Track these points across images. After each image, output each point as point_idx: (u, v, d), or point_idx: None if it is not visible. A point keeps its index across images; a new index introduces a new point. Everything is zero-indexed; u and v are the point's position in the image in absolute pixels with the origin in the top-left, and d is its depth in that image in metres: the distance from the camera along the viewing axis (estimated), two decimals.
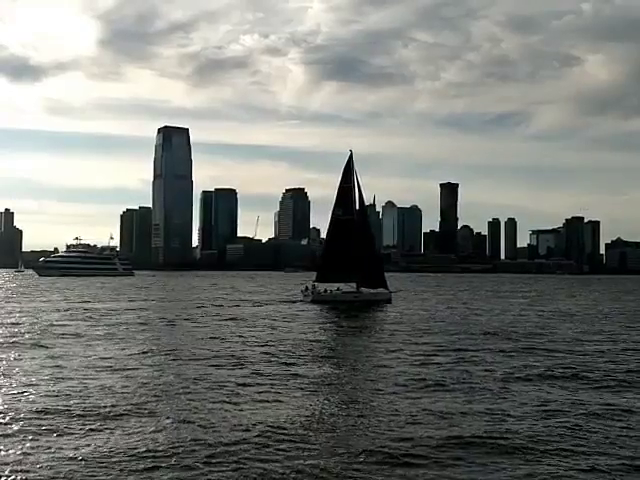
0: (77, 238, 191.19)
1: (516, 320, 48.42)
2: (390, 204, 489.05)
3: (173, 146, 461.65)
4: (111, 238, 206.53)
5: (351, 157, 65.58)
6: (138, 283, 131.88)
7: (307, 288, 65.57)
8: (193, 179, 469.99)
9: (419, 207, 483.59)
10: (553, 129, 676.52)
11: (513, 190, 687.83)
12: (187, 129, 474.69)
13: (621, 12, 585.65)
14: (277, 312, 53.40)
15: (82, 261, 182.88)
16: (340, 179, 66.14)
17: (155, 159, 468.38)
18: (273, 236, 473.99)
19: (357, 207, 66.35)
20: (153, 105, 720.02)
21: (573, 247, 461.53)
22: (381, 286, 65.75)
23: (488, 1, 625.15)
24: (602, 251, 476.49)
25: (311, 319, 47.98)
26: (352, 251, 63.05)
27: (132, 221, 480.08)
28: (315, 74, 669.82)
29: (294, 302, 65.09)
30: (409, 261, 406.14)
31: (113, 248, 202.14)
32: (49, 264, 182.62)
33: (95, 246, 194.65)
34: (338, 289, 63.96)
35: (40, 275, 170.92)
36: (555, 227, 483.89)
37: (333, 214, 65.79)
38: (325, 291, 63.71)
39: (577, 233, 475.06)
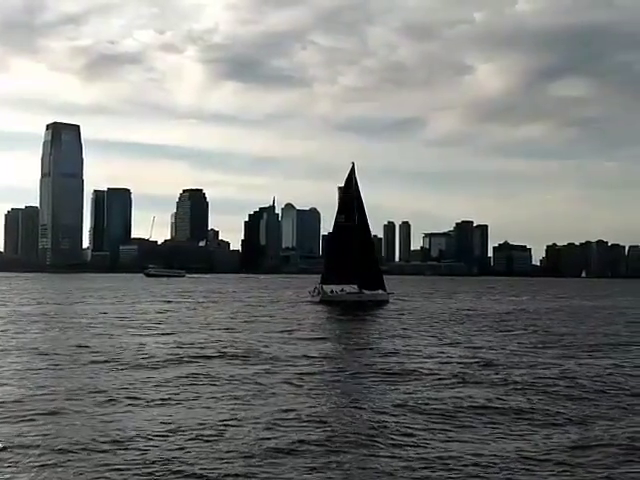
0: None
1: None
2: (289, 206, 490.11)
3: (63, 143, 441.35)
4: None
5: (353, 168, 70.13)
6: None
7: (315, 289, 68.01)
8: (84, 178, 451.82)
9: (318, 209, 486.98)
10: (448, 135, 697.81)
11: (409, 194, 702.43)
12: (78, 126, 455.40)
13: (512, 23, 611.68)
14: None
15: None
16: (342, 188, 72.06)
17: (43, 156, 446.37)
18: (169, 237, 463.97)
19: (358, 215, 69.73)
20: (42, 100, 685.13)
21: (463, 250, 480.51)
22: (380, 288, 69.49)
23: (386, 7, 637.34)
24: (490, 254, 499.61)
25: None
26: (353, 255, 66.44)
27: (17, 221, 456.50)
28: (213, 73, 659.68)
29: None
30: (308, 263, 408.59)
31: None
32: None
33: None
34: (342, 290, 66.92)
35: None
36: (446, 230, 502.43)
37: (336, 220, 70.09)
38: (332, 292, 66.54)
39: (467, 236, 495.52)
